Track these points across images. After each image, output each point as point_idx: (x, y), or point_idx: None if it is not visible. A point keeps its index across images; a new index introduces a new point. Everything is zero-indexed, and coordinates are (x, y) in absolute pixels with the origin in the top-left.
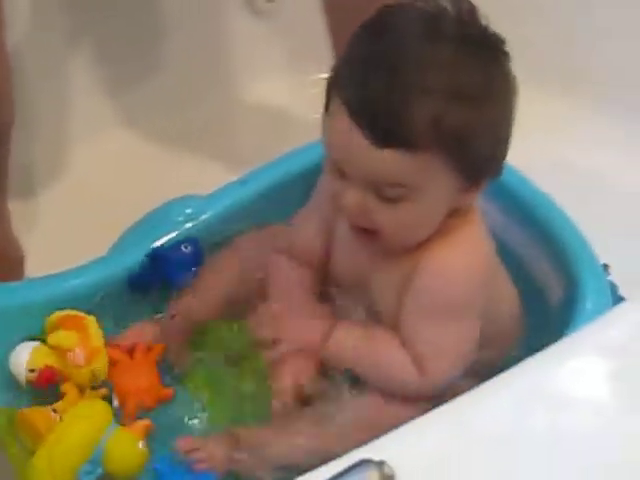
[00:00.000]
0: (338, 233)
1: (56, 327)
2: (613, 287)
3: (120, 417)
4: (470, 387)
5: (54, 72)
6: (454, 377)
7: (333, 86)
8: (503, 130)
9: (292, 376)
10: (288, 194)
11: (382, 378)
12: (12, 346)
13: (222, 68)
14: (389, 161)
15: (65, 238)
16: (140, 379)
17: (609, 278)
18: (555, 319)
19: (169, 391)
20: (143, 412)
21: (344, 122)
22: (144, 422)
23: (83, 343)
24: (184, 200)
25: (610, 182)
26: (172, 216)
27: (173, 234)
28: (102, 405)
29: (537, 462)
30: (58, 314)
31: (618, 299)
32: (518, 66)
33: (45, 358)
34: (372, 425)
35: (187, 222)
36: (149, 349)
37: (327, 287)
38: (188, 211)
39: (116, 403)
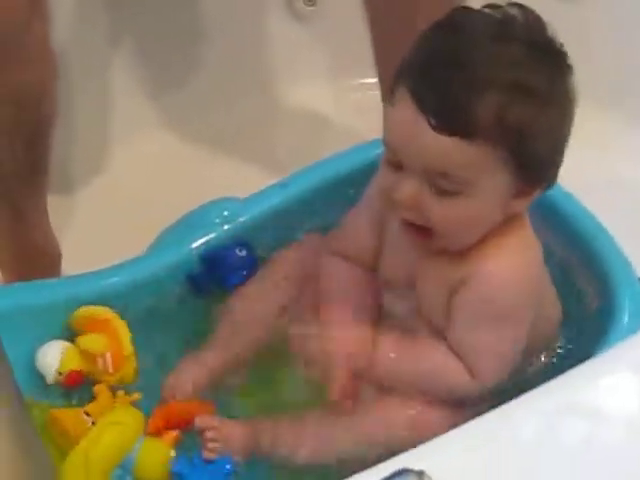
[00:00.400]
0: (389, 232)
1: (84, 326)
2: None
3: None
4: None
5: (95, 71)
6: (502, 379)
7: (399, 76)
8: (562, 137)
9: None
10: (328, 199)
11: (434, 385)
12: (33, 344)
13: (262, 71)
14: (450, 149)
15: (102, 237)
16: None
17: None
18: (591, 326)
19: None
20: None
21: (408, 109)
22: (173, 433)
23: (113, 348)
24: (222, 202)
25: None
26: (210, 218)
27: (211, 236)
28: (137, 414)
29: (572, 476)
30: (85, 310)
31: None
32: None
33: (73, 361)
34: (405, 427)
35: (224, 224)
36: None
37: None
38: (226, 213)
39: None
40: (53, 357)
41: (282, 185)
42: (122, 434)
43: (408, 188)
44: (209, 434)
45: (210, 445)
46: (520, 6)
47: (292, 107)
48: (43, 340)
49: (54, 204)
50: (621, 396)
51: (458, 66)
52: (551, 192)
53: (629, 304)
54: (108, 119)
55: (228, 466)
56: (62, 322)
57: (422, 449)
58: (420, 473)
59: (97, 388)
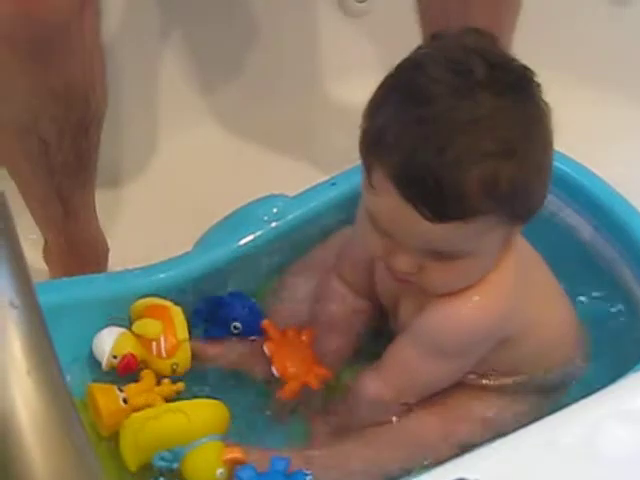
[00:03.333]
0: None
1: (142, 315)
2: None
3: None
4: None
5: (144, 65)
6: (406, 398)
7: (373, 154)
8: (547, 164)
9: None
10: None
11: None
12: (82, 339)
13: (313, 68)
14: (449, 232)
15: (149, 233)
16: (300, 359)
17: None
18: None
19: (327, 372)
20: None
21: (392, 198)
22: (239, 455)
23: (168, 334)
24: (271, 199)
25: None
26: (258, 215)
27: (258, 233)
28: (220, 413)
29: None
30: (144, 301)
31: None
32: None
33: (129, 345)
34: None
35: (273, 222)
36: (299, 332)
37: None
38: (275, 210)
39: (276, 373)
40: (108, 341)
41: (331, 183)
42: (181, 426)
43: (405, 263)
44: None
45: None
46: (475, 31)
47: (342, 105)
48: (89, 335)
49: (102, 199)
50: None
51: (433, 145)
52: (602, 192)
53: None
54: (156, 113)
55: (307, 478)
56: (108, 317)
57: (474, 457)
58: None
59: (143, 372)
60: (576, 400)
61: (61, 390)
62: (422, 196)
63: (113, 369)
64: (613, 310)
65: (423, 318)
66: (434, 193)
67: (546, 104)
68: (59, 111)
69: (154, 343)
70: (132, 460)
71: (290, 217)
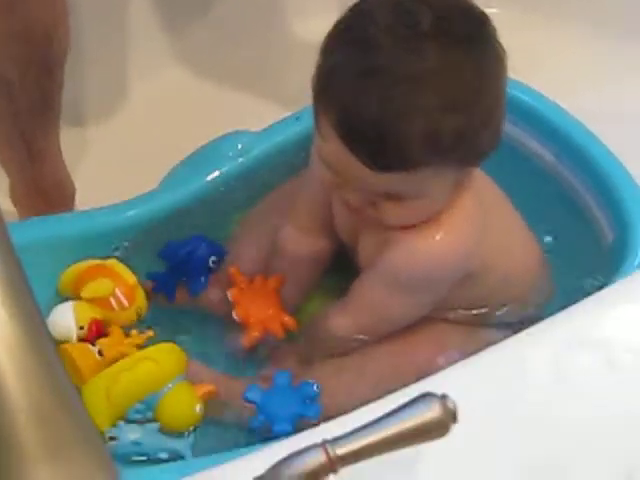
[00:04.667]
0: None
1: (79, 281)
2: None
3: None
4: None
5: (108, 7)
6: (371, 332)
7: (319, 102)
8: (499, 112)
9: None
10: None
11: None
12: (53, 278)
13: (273, 6)
14: (390, 181)
15: (116, 173)
16: (265, 306)
17: None
18: (608, 262)
19: (293, 320)
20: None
21: (337, 146)
22: (208, 387)
23: (119, 285)
24: (236, 135)
25: None
26: (223, 151)
27: (224, 169)
28: (179, 354)
29: (582, 406)
30: (74, 269)
31: None
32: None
33: (88, 312)
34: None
35: (238, 157)
36: (266, 279)
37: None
38: (240, 146)
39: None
40: (68, 317)
41: (296, 118)
42: (152, 373)
43: (356, 200)
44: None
45: None
46: None
47: (303, 41)
48: (58, 274)
49: (68, 141)
50: (631, 327)
51: (376, 96)
52: (562, 120)
53: None
54: (121, 56)
55: (315, 388)
56: (80, 255)
57: (439, 376)
58: (443, 397)
59: (109, 329)
60: None
61: (36, 320)
62: (364, 148)
63: (83, 340)
64: (578, 239)
65: (389, 254)
66: (375, 145)
67: (501, 50)
68: (21, 51)
69: (111, 298)
70: (104, 419)
71: (255, 152)
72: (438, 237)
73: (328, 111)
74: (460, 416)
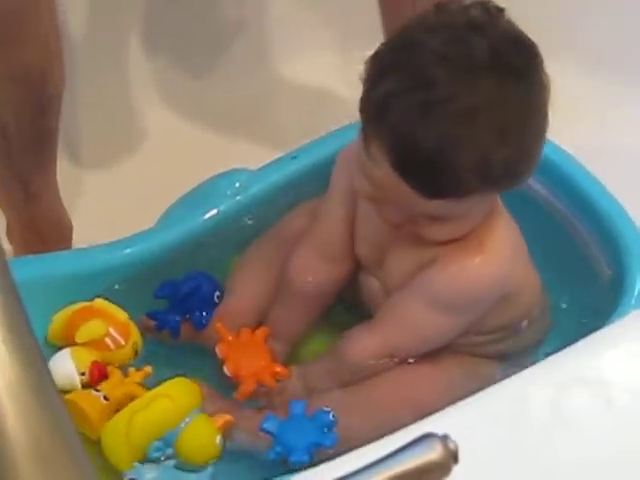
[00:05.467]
0: (361, 210)
1: (69, 327)
2: None
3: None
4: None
5: (104, 48)
6: (401, 352)
7: (372, 128)
8: (542, 139)
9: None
10: None
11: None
12: (48, 316)
13: (267, 44)
14: (438, 206)
15: (113, 212)
16: (255, 358)
17: None
18: (604, 298)
19: (285, 370)
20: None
21: (387, 171)
22: (226, 417)
23: (111, 324)
24: (233, 173)
25: None
26: (220, 189)
27: (221, 207)
28: (192, 388)
29: (581, 446)
30: (62, 314)
31: None
32: (569, 55)
33: (87, 356)
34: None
35: (236, 196)
36: (252, 330)
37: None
38: (237, 185)
39: (228, 373)
40: (68, 365)
41: (292, 157)
42: (168, 409)
43: (395, 217)
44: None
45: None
46: (480, 4)
47: (299, 80)
48: (54, 312)
49: (65, 180)
50: (629, 367)
51: (433, 135)
52: (559, 159)
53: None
54: (117, 96)
55: (331, 416)
56: (76, 293)
57: (439, 415)
58: (444, 437)
59: (108, 369)
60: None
61: (37, 358)
62: (417, 178)
63: (86, 385)
64: (575, 278)
65: (429, 274)
66: (430, 176)
67: (547, 80)
68: (16, 92)
69: (106, 339)
70: (125, 460)
71: (253, 190)
72: (480, 257)
73: (381, 138)
74: (461, 456)
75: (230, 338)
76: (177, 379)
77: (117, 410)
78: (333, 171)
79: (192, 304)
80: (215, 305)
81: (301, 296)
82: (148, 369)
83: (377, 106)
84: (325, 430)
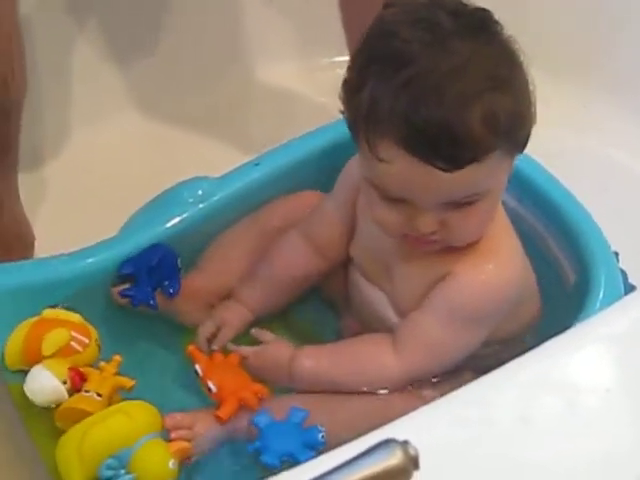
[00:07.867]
0: (362, 223)
1: (30, 344)
2: (624, 274)
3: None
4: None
5: (65, 52)
6: (426, 374)
7: (372, 128)
8: (529, 92)
9: None
10: (301, 177)
11: (360, 371)
12: (14, 326)
13: (232, 51)
14: (468, 176)
15: (75, 220)
16: (233, 377)
17: (620, 265)
18: (570, 303)
19: (264, 388)
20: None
21: (405, 161)
22: (185, 445)
23: (71, 328)
24: (195, 181)
25: (624, 170)
26: (183, 197)
27: (184, 215)
28: (151, 412)
29: (546, 447)
30: (13, 338)
31: (629, 287)
32: (534, 61)
33: (61, 365)
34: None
35: (198, 203)
36: (225, 355)
37: (352, 275)
38: (200, 192)
39: (213, 389)
40: (47, 379)
41: (255, 163)
42: (125, 426)
43: (428, 224)
44: (177, 434)
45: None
46: None
47: (263, 87)
48: (18, 323)
49: (26, 187)
50: (596, 368)
51: (432, 102)
52: (524, 165)
53: (605, 280)
54: (79, 99)
55: (320, 437)
56: (38, 303)
57: (404, 420)
58: (404, 443)
59: (84, 370)
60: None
61: None
62: (435, 150)
63: (71, 391)
64: (540, 281)
65: (447, 292)
66: (446, 143)
67: (514, 39)
68: None
69: (72, 343)
70: (76, 475)
71: (215, 198)
72: (493, 263)
73: (387, 133)
74: (423, 461)
75: (205, 360)
76: (137, 401)
77: (110, 404)
78: (339, 176)
79: (159, 275)
80: (179, 270)
81: (282, 277)
82: (118, 357)
83: (368, 108)
84: (307, 448)
